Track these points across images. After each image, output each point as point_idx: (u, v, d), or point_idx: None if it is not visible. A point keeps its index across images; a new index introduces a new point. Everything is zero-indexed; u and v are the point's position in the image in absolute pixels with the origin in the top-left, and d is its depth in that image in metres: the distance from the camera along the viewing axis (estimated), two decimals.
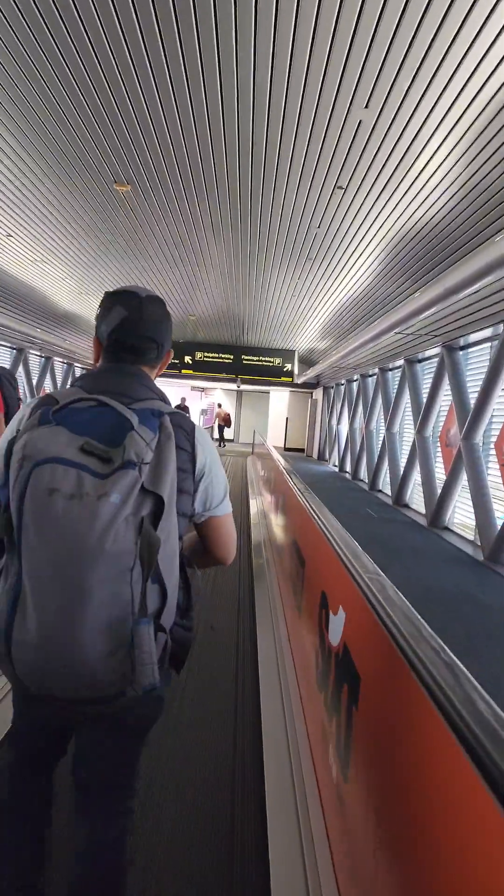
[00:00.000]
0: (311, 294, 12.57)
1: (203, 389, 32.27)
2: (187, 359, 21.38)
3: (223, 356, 21.41)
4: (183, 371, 21.45)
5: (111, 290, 1.56)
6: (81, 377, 1.50)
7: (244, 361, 21.30)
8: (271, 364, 21.40)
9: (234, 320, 17.03)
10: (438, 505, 9.90)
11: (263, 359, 21.36)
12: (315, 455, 23.97)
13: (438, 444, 10.92)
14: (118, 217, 8.85)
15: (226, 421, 27.51)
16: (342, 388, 20.60)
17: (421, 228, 7.38)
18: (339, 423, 19.84)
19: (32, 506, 1.25)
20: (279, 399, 28.48)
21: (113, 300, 1.52)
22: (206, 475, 1.49)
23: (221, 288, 13.46)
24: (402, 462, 13.01)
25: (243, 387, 25.87)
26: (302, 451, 26.76)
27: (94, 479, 1.25)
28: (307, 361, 22.60)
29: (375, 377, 15.32)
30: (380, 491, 14.46)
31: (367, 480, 15.79)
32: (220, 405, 29.02)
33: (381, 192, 6.64)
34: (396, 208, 6.96)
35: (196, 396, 31.64)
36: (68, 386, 1.50)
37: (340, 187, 6.74)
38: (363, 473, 16.53)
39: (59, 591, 1.24)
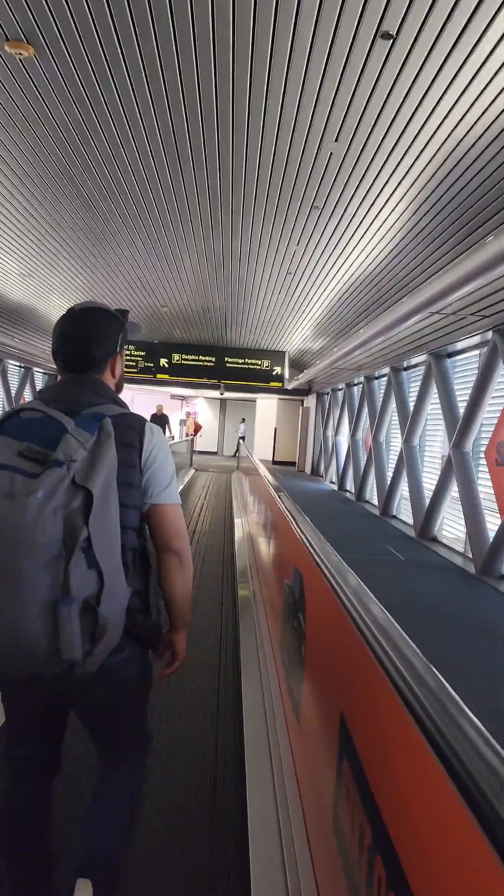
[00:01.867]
0: (306, 282, 10.09)
1: (183, 398, 29.69)
2: (163, 362, 18.77)
3: (204, 358, 18.82)
4: (158, 376, 18.82)
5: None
6: (42, 389, 1.72)
7: (228, 364, 18.73)
8: (258, 367, 18.84)
9: (216, 316, 14.49)
10: (494, 547, 7.34)
11: (250, 361, 18.80)
12: (308, 470, 21.42)
13: (483, 461, 8.38)
14: (76, 190, 6.74)
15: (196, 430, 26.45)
16: (339, 393, 18.11)
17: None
18: (337, 434, 17.31)
19: None
20: (266, 408, 26.04)
21: (58, 320, 1.76)
22: (149, 467, 1.67)
23: (200, 277, 10.95)
24: (424, 482, 10.49)
25: (227, 394, 23.34)
26: (293, 464, 24.26)
27: (25, 478, 1.42)
28: (298, 366, 20.09)
29: (386, 378, 12.80)
30: (394, 517, 11.92)
31: (376, 503, 13.26)
32: (188, 413, 27.52)
33: (392, 149, 4.36)
34: (413, 169, 4.53)
35: (176, 406, 29.06)
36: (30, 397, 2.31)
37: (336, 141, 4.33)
38: (370, 494, 13.99)
39: (1, 580, 1.38)
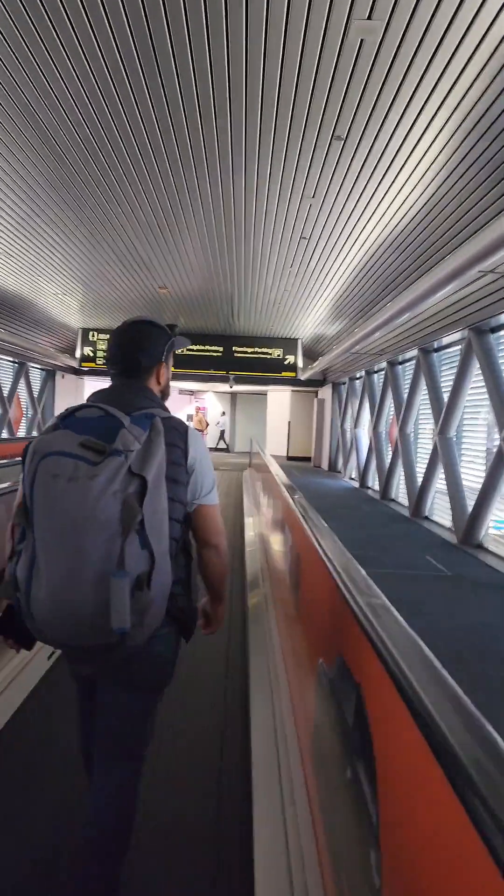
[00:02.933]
0: (323, 248, 8.69)
1: (192, 393, 28.35)
2: None
3: (211, 348, 17.46)
4: None
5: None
6: (95, 392, 1.87)
7: (237, 354, 17.35)
8: (269, 356, 17.45)
9: (222, 299, 13.12)
10: None
11: (260, 350, 17.41)
12: (325, 465, 20.00)
13: None
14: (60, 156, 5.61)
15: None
16: (358, 382, 16.67)
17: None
18: (356, 427, 15.88)
19: (40, 488, 1.60)
20: (279, 400, 24.60)
21: (112, 332, 2.01)
22: (195, 469, 1.85)
23: (203, 252, 9.60)
24: (461, 479, 9.07)
25: (238, 387, 21.96)
26: (308, 459, 22.84)
27: (88, 465, 1.59)
28: (311, 355, 18.68)
29: (414, 362, 11.37)
30: (427, 519, 10.50)
31: (404, 503, 11.85)
32: (198, 409, 26.35)
33: (432, 55, 2.94)
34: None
35: (184, 401, 27.75)
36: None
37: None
38: (397, 492, 12.57)
39: (62, 553, 1.57)
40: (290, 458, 22.86)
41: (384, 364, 13.46)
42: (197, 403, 28.66)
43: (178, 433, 1.81)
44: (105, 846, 1.76)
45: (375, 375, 14.75)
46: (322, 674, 2.05)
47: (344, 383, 18.30)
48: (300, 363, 17.48)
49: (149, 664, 1.76)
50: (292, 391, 23.39)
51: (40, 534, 1.61)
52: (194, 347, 17.34)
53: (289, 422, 24.06)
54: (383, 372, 13.80)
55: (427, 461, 10.20)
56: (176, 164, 6.23)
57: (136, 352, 1.91)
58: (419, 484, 10.64)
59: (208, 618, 2.03)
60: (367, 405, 15.22)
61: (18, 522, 1.69)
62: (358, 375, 16.48)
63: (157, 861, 2.15)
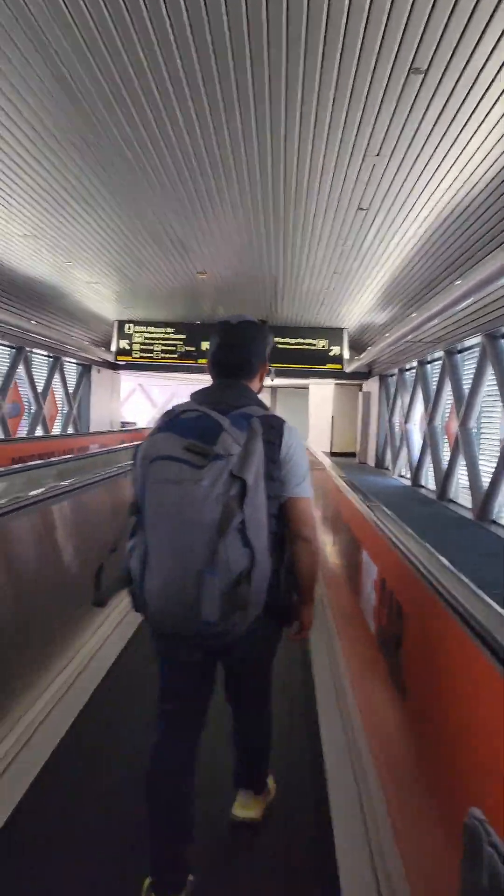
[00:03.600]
0: (382, 220, 7.73)
1: None
2: (205, 345, 16.61)
3: None
4: (200, 361, 16.68)
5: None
6: (195, 392, 1.98)
7: (278, 346, 16.45)
8: (313, 347, 16.51)
9: (264, 286, 12.25)
10: None
11: (304, 341, 16.49)
12: (371, 462, 19.00)
13: None
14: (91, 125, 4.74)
15: None
16: (408, 374, 15.64)
17: None
18: (407, 422, 14.85)
19: (150, 491, 1.76)
20: (321, 394, 23.65)
21: (214, 329, 2.04)
22: (287, 462, 1.92)
23: (245, 232, 8.74)
24: None
25: (278, 381, 21.05)
26: (352, 455, 21.87)
27: (193, 469, 1.70)
28: (357, 346, 17.69)
29: (479, 349, 10.33)
30: (494, 523, 9.48)
31: (464, 504, 10.84)
32: None
33: None
34: None
35: None
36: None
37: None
38: (456, 492, 11.55)
39: (172, 551, 1.72)
40: (333, 454, 21.93)
41: (440, 354, 12.44)
42: None
43: (274, 430, 1.91)
44: (255, 753, 2.27)
45: (429, 366, 13.71)
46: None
47: (392, 375, 17.27)
48: (346, 354, 16.51)
49: (257, 648, 1.99)
50: (336, 384, 22.44)
51: (152, 532, 1.76)
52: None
53: (332, 416, 23.11)
54: (439, 362, 12.77)
55: (491, 459, 9.19)
56: (218, 115, 5.37)
57: (247, 353, 2.00)
58: (486, 484, 9.62)
59: (298, 619, 2.08)
60: (419, 398, 14.20)
61: (132, 517, 1.85)
62: (408, 367, 15.45)
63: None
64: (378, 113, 5.08)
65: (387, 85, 4.67)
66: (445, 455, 12.05)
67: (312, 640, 3.73)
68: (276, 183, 6.81)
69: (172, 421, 1.82)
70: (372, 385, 19.29)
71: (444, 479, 11.48)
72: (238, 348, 2.00)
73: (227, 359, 2.00)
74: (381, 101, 4.91)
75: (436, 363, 13.31)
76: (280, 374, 17.37)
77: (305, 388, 24.63)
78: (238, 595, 1.69)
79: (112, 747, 2.77)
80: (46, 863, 2.10)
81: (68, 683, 3.25)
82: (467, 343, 11.13)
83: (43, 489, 3.58)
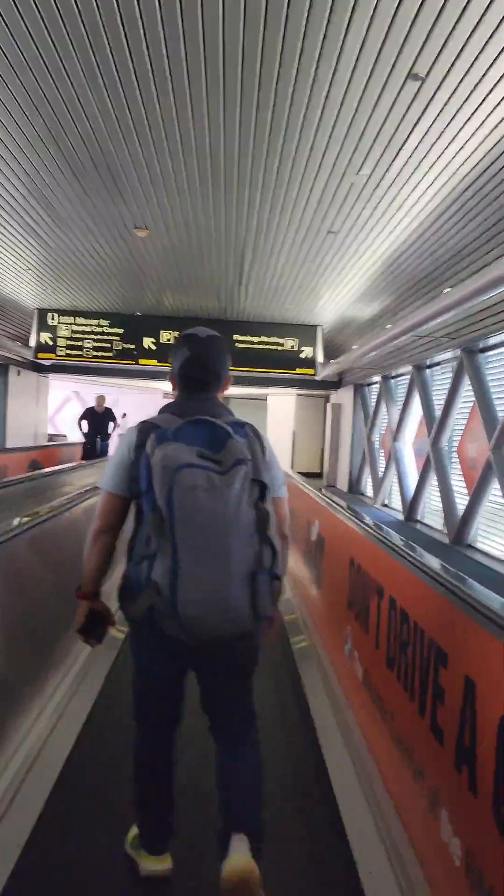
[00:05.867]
0: (383, 199, 5.06)
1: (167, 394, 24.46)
2: (148, 342, 13.54)
3: None
4: (141, 361, 13.59)
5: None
6: (169, 406, 2.13)
7: (238, 345, 13.51)
8: (280, 348, 13.65)
9: (228, 266, 9.35)
10: None
11: (268, 340, 13.61)
12: (343, 485, 16.23)
13: None
14: None
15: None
16: (393, 382, 12.95)
17: None
18: (396, 440, 12.09)
19: (181, 500, 1.80)
20: (281, 406, 20.98)
21: (180, 342, 2.19)
22: (271, 466, 2.09)
23: (203, 195, 5.99)
24: None
25: (233, 389, 18.09)
26: (317, 475, 19.19)
27: (219, 475, 1.82)
28: (330, 348, 14.97)
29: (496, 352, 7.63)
30: None
31: (491, 551, 8.09)
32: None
33: None
34: None
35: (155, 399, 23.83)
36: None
37: None
38: (475, 534, 8.78)
39: (211, 557, 1.80)
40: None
41: (447, 355, 9.75)
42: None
43: (259, 437, 2.07)
44: (249, 798, 2.15)
45: (428, 371, 11.01)
46: None
47: (373, 384, 14.56)
48: (319, 357, 13.69)
49: (255, 650, 2.13)
50: (298, 395, 19.74)
51: (185, 541, 1.81)
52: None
53: (293, 431, 20.44)
54: (442, 366, 10.08)
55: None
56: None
57: (218, 367, 2.18)
58: None
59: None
60: (413, 411, 11.50)
61: (151, 531, 1.90)
62: (394, 374, 12.76)
63: None
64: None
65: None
66: (459, 488, 9.32)
67: None
68: (248, 118, 3.98)
69: (178, 431, 1.93)
70: (344, 396, 16.56)
71: (464, 518, 8.69)
72: (211, 362, 2.16)
73: (200, 374, 2.15)
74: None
75: (438, 367, 10.62)
76: (239, 381, 14.39)
77: (264, 398, 21.90)
78: (274, 590, 1.92)
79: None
80: None
81: None
82: (491, 341, 8.46)
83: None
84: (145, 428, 1.98)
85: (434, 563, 2.57)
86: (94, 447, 15.36)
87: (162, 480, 1.81)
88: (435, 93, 4.31)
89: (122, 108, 4.95)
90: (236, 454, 1.84)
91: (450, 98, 4.34)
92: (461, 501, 9.09)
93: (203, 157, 5.68)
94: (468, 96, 4.27)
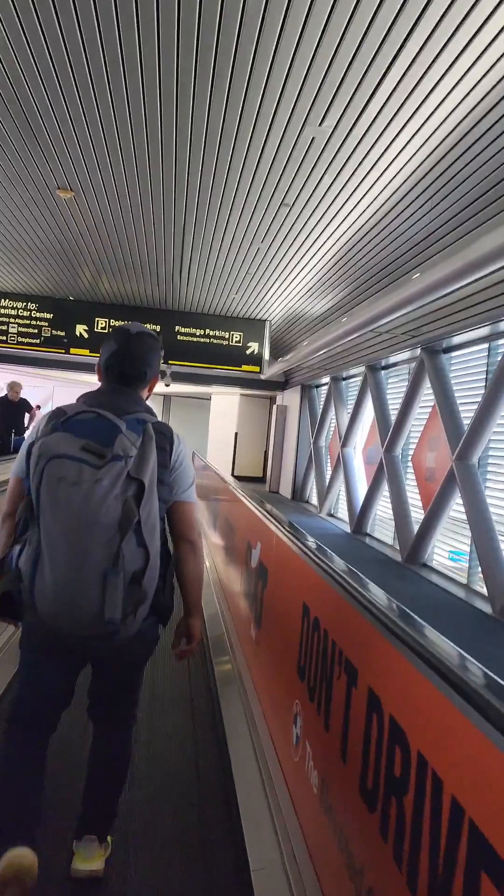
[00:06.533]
0: (323, 176, 4.20)
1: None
2: (80, 330, 12.35)
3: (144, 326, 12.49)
4: (73, 350, 12.38)
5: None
6: (84, 395, 2.04)
7: (180, 338, 12.49)
8: (226, 342, 12.67)
9: (168, 246, 8.32)
10: None
11: (213, 333, 12.61)
12: (287, 492, 15.35)
13: None
14: None
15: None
16: (343, 384, 12.15)
17: None
18: (344, 445, 11.24)
19: (46, 490, 1.76)
20: (224, 406, 20.00)
21: (111, 335, 2.13)
22: (177, 468, 2.03)
23: (141, 149, 4.95)
24: None
25: (175, 387, 16.93)
26: (258, 480, 18.32)
27: (91, 469, 1.75)
28: (277, 345, 14.11)
29: (486, 351, 6.85)
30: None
31: (456, 576, 7.28)
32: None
33: None
34: None
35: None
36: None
37: None
38: (431, 555, 7.97)
39: (67, 552, 1.73)
40: (235, 478, 18.25)
41: (405, 355, 8.95)
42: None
43: (165, 437, 1.99)
44: (111, 781, 2.15)
45: (383, 372, 10.20)
46: None
47: (321, 385, 13.73)
48: (266, 354, 12.78)
49: (143, 649, 2.07)
50: (241, 395, 18.82)
51: (46, 532, 1.77)
52: (120, 323, 12.30)
53: (235, 433, 19.50)
54: (397, 367, 9.29)
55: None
56: None
57: (145, 365, 2.10)
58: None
59: (186, 633, 2.14)
60: (364, 416, 10.68)
61: (22, 515, 1.88)
62: (345, 375, 11.96)
63: None
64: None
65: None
66: (413, 503, 8.51)
67: None
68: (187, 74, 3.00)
69: (67, 421, 1.87)
70: (290, 397, 15.69)
71: (420, 536, 7.86)
72: (138, 359, 2.08)
73: (125, 369, 2.07)
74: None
75: (393, 368, 9.83)
76: (179, 377, 13.36)
77: (207, 398, 20.91)
78: (134, 594, 1.79)
79: None
80: None
81: None
82: (456, 340, 7.68)
83: None
84: (55, 414, 1.93)
85: (452, 652, 1.33)
86: (6, 443, 11.92)
87: (34, 468, 1.81)
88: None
89: (42, 55, 3.90)
90: (117, 450, 1.79)
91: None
92: (416, 515, 8.28)
93: (136, 110, 4.67)
94: (446, 42, 3.39)
